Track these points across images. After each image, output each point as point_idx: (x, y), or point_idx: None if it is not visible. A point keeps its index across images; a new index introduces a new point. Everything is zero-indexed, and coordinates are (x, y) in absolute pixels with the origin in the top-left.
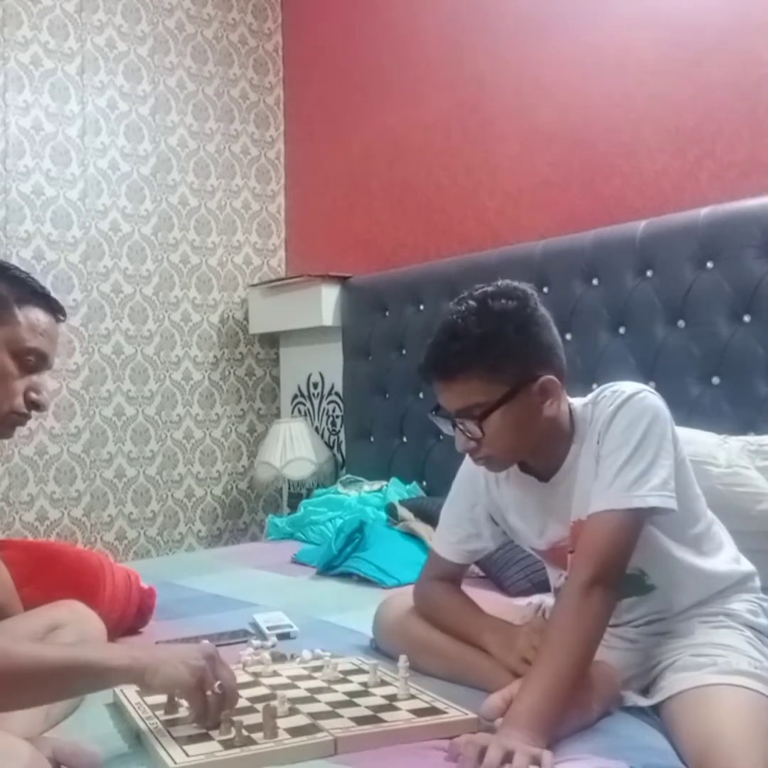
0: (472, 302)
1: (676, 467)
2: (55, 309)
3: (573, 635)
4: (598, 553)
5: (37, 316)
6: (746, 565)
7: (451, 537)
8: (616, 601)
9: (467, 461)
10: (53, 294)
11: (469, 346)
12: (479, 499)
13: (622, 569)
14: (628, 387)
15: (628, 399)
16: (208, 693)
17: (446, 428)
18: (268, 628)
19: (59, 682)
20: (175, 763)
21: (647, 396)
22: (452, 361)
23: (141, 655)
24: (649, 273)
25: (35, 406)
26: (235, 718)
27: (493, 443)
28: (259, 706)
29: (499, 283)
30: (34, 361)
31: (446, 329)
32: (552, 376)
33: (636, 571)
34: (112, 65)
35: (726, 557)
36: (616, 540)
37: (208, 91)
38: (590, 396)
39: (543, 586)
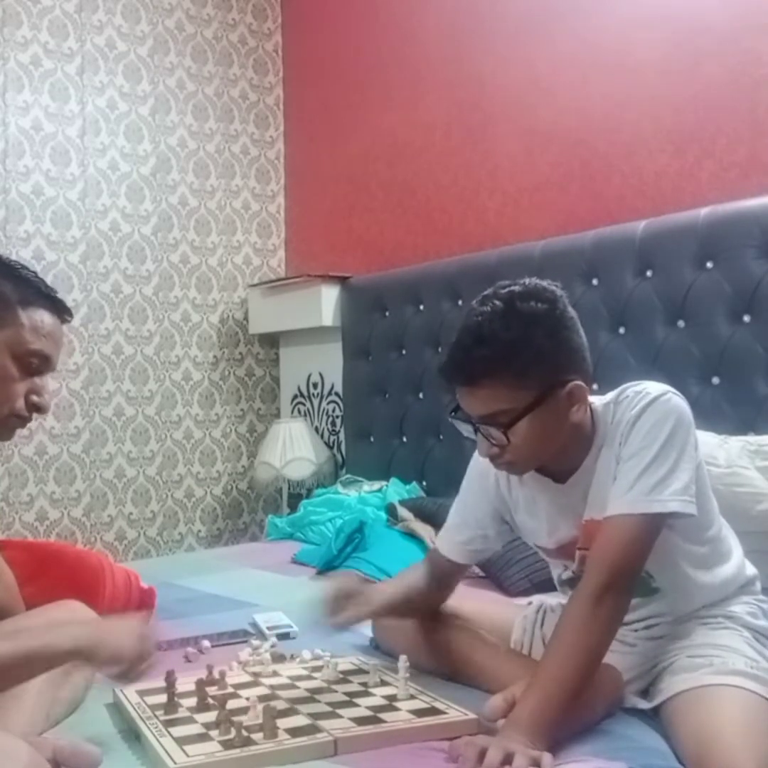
0: (498, 303)
1: (695, 470)
2: (60, 310)
3: (581, 640)
4: (615, 558)
5: (42, 317)
6: (750, 569)
7: (457, 536)
8: (627, 607)
9: (476, 460)
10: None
11: (496, 352)
12: (488, 498)
13: (636, 574)
14: (652, 388)
15: (653, 401)
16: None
17: (466, 431)
18: (268, 628)
19: (7, 675)
20: (175, 763)
21: (672, 398)
22: (477, 366)
23: (82, 634)
24: (648, 273)
25: (36, 408)
26: (235, 719)
27: (518, 450)
28: (259, 706)
29: (527, 282)
30: (36, 363)
31: (471, 332)
32: (579, 381)
33: (643, 572)
34: (111, 65)
35: (733, 563)
36: (633, 544)
37: (208, 91)
38: (611, 395)
39: (543, 586)
